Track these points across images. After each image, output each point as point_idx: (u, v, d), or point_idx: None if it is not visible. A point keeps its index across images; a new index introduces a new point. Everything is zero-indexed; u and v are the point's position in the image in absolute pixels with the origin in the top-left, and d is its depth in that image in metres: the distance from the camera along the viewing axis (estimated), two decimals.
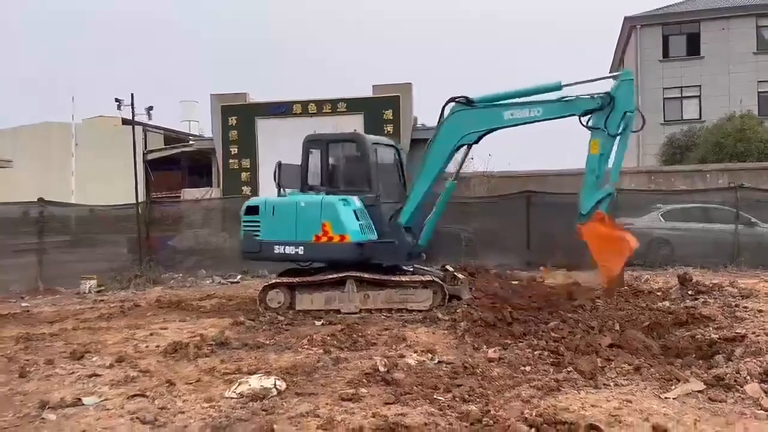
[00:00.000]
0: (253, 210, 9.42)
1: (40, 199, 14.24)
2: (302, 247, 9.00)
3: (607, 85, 8.05)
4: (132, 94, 18.99)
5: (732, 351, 5.78)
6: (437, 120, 8.88)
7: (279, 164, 9.58)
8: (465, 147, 8.90)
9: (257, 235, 9.29)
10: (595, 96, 7.83)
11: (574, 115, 7.94)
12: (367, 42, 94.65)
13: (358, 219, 8.92)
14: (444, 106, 8.74)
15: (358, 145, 9.45)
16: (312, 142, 9.58)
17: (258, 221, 9.33)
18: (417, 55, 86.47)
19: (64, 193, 25.12)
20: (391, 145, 10.23)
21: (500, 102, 8.46)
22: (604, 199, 7.81)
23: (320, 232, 8.88)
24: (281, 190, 9.55)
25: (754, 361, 5.28)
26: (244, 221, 9.47)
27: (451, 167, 9.66)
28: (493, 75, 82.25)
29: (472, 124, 8.59)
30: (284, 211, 9.20)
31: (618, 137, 7.75)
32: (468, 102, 8.57)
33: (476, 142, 8.80)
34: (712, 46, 27.14)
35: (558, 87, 8.03)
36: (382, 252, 9.01)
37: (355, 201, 9.06)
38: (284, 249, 9.11)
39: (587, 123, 7.89)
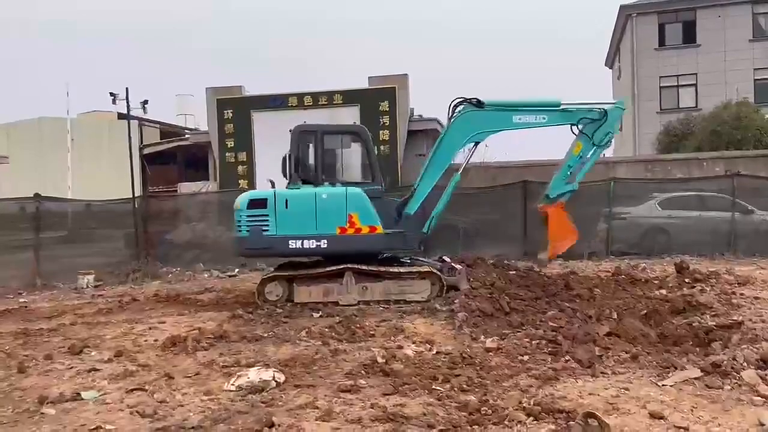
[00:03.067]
0: (259, 203, 8.94)
1: (36, 195, 14.19)
2: (325, 241, 8.80)
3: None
4: (127, 88, 18.95)
5: (729, 338, 5.80)
6: (447, 117, 9.35)
7: (287, 156, 9.29)
8: (473, 144, 9.45)
9: (266, 230, 8.87)
10: (594, 109, 9.23)
11: (572, 124, 9.23)
12: (363, 33, 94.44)
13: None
14: (453, 105, 9.23)
15: (362, 138, 9.41)
16: (305, 133, 9.25)
17: (266, 215, 8.88)
18: (414, 46, 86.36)
19: (61, 188, 25.04)
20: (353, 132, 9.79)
21: (509, 107, 9.26)
22: (567, 192, 9.40)
23: (346, 224, 8.81)
24: (293, 181, 9.16)
25: (751, 347, 5.31)
26: (248, 216, 8.94)
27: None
28: (491, 69, 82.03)
29: (484, 124, 9.26)
30: (301, 203, 8.88)
31: (596, 148, 9.27)
32: (479, 104, 9.13)
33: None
34: (708, 34, 27.09)
35: (557, 104, 9.28)
36: (395, 242, 9.11)
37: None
38: (302, 243, 8.82)
39: (579, 130, 9.20)
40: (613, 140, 9.61)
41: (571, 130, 9.30)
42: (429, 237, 9.73)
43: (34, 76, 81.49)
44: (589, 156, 9.33)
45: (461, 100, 9.21)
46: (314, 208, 8.82)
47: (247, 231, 8.93)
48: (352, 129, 9.92)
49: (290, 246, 8.84)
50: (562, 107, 9.24)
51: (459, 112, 9.21)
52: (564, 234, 9.48)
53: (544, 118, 9.26)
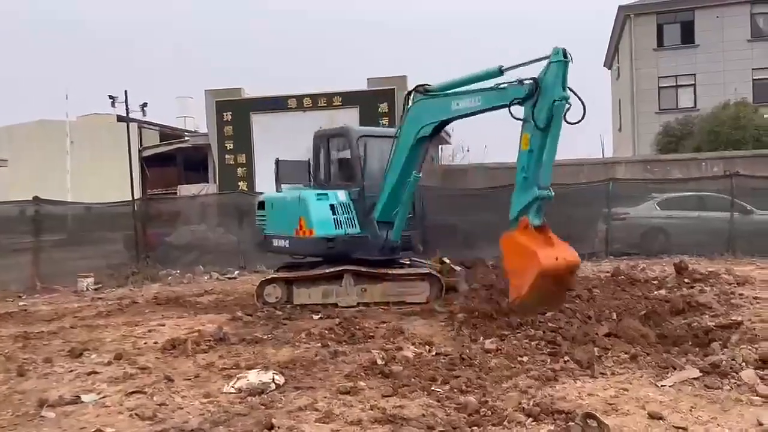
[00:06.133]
0: (261, 205, 9.93)
1: (36, 198, 14.18)
2: (288, 241, 9.30)
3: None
4: (126, 91, 19.03)
5: (728, 338, 5.81)
6: (403, 109, 8.61)
7: (277, 161, 9.85)
8: (426, 140, 8.41)
9: (264, 229, 9.78)
10: (525, 82, 7.05)
11: (507, 106, 7.13)
12: (362, 34, 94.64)
13: (335, 213, 8.95)
14: (407, 95, 8.53)
15: (345, 139, 9.51)
16: (317, 138, 9.85)
17: (265, 215, 9.78)
18: (411, 46, 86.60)
19: (60, 191, 25.05)
20: (391, 136, 9.26)
21: (449, 91, 7.96)
22: (531, 203, 7.06)
23: (298, 226, 9.08)
24: (279, 186, 9.76)
25: (750, 347, 5.32)
26: (257, 215, 10.00)
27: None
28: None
29: (427, 114, 8.19)
30: (278, 206, 9.58)
31: (541, 134, 6.89)
32: (426, 91, 8.22)
33: (434, 134, 8.38)
34: (707, 34, 27.12)
35: (498, 72, 7.31)
36: (355, 246, 9.01)
37: (340, 195, 9.13)
38: (279, 242, 9.49)
39: (522, 117, 7.09)
40: (567, 108, 6.85)
41: (510, 113, 7.14)
42: (397, 245, 9.02)
43: (33, 78, 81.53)
44: (538, 146, 6.96)
45: (411, 89, 8.26)
46: (283, 210, 9.39)
47: (258, 229, 10.00)
48: (338, 131, 9.93)
49: (273, 243, 9.60)
50: (497, 84, 7.28)
51: (411, 103, 8.31)
52: (521, 264, 6.72)
53: (479, 101, 7.55)
